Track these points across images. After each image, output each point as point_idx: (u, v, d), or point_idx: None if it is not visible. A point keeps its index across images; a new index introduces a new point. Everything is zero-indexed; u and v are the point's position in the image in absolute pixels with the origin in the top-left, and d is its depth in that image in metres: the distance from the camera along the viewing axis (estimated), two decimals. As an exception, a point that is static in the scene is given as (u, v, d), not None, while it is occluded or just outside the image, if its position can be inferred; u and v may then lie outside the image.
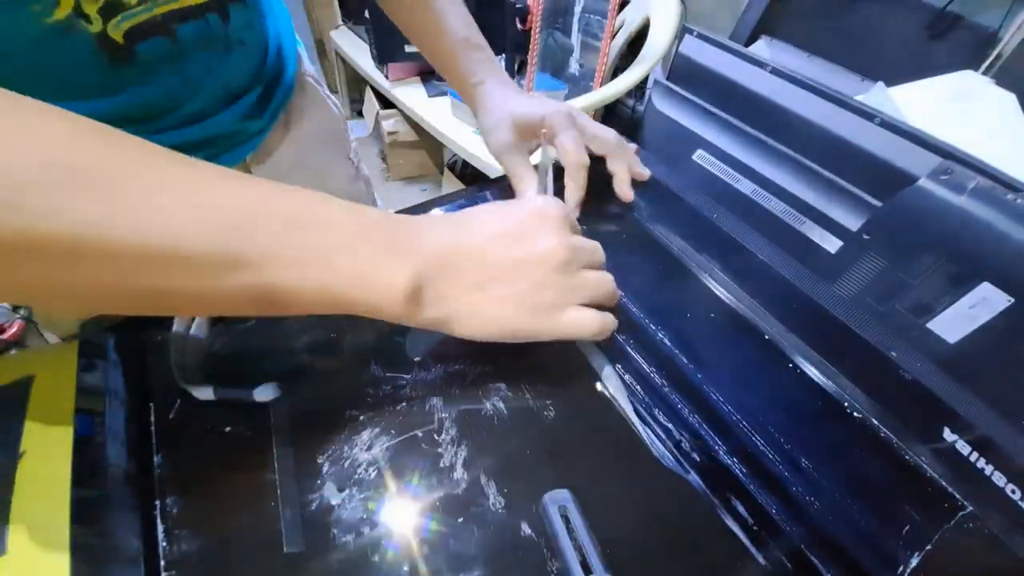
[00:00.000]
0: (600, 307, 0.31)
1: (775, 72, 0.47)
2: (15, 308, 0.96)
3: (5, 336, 0.91)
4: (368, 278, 0.24)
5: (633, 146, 0.50)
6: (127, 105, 0.34)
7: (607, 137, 0.43)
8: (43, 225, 0.16)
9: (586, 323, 0.29)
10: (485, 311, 0.27)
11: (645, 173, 0.46)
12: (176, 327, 0.32)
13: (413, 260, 0.25)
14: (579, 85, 1.46)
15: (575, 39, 1.44)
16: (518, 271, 0.27)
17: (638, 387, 0.33)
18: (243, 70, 0.41)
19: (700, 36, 0.52)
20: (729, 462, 0.30)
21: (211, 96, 0.39)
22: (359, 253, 0.24)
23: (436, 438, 0.30)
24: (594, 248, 0.32)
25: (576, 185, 0.41)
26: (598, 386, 0.33)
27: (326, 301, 0.24)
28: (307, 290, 0.23)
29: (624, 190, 0.44)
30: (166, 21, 0.33)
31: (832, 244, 0.44)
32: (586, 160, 0.41)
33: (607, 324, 0.30)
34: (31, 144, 0.17)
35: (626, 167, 0.44)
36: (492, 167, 1.31)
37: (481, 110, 0.46)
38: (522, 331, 0.28)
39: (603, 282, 0.31)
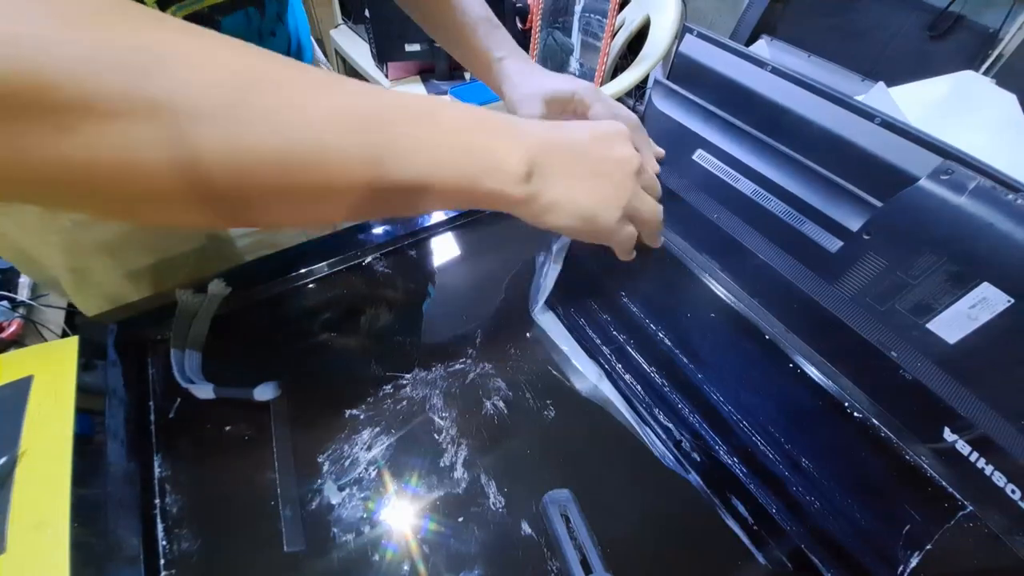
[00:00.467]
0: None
1: (775, 72, 0.47)
2: (14, 307, 0.96)
3: (4, 335, 0.91)
4: (489, 157, 0.27)
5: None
6: None
7: (629, 116, 0.45)
8: (246, 136, 0.19)
9: (628, 242, 0.33)
10: (577, 199, 0.30)
11: (660, 151, 0.47)
12: (176, 325, 0.32)
13: (527, 143, 0.28)
14: (579, 84, 1.45)
15: (575, 38, 1.44)
16: (610, 169, 0.31)
17: (638, 387, 0.33)
18: None
19: (700, 35, 0.52)
20: (729, 462, 0.30)
21: None
22: (483, 132, 0.27)
23: (436, 437, 0.30)
24: (651, 170, 0.34)
25: None
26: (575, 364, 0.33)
27: (455, 184, 0.26)
28: (437, 166, 0.25)
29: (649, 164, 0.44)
30: (212, 13, 0.38)
31: (832, 244, 0.44)
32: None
33: (631, 250, 0.34)
34: (226, 61, 0.19)
35: (646, 145, 0.45)
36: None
37: (507, 84, 0.47)
38: (599, 229, 0.32)
39: (654, 207, 0.34)
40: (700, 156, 0.52)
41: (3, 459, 0.30)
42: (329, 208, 0.24)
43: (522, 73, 0.46)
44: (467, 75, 1.67)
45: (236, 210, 0.21)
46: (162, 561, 0.25)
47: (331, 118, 0.22)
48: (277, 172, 0.20)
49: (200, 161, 0.18)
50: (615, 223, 0.32)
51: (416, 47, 1.56)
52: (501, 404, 0.31)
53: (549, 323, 0.37)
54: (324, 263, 0.38)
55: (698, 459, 0.30)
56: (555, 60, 1.48)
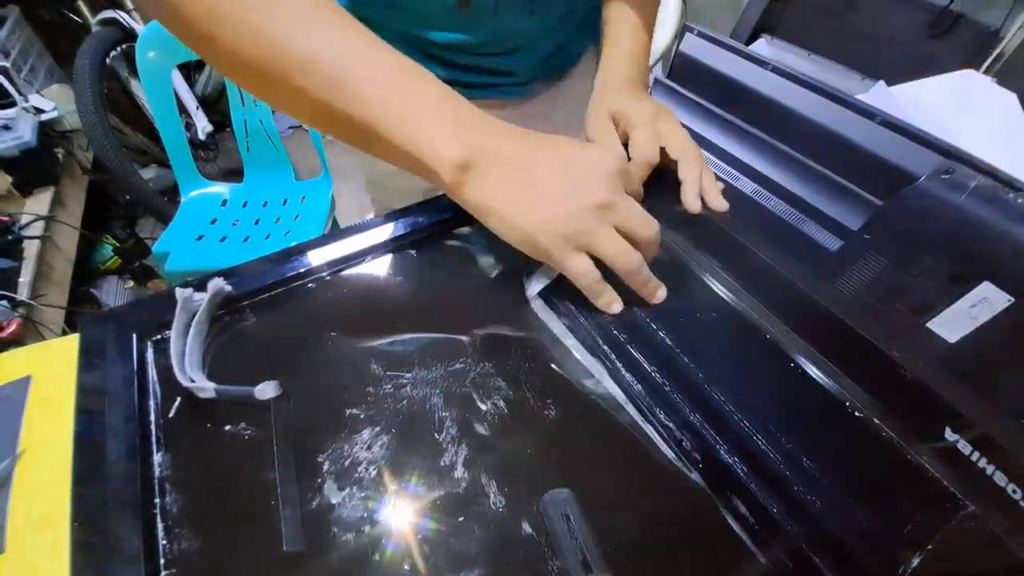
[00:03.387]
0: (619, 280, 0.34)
1: (776, 71, 0.47)
2: (14, 306, 0.96)
3: (4, 334, 0.91)
4: (432, 139, 0.29)
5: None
6: (461, 39, 0.46)
7: (684, 143, 0.42)
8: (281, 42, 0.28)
9: (582, 274, 0.33)
10: (514, 216, 0.31)
11: (716, 188, 0.43)
12: (176, 324, 0.32)
13: (471, 143, 0.30)
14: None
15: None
16: (557, 196, 0.31)
17: (639, 386, 0.33)
18: (539, 29, 0.50)
19: (701, 34, 0.52)
20: (730, 461, 0.30)
21: (513, 44, 0.49)
22: (435, 114, 0.30)
23: (436, 437, 0.30)
24: (636, 215, 0.32)
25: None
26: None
27: (399, 149, 0.30)
28: (386, 132, 0.29)
29: (690, 198, 0.41)
30: None
31: (833, 243, 0.44)
32: (653, 159, 0.41)
33: (599, 292, 0.34)
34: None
35: (697, 175, 0.42)
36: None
37: (593, 92, 0.48)
38: (537, 249, 0.32)
39: (622, 249, 0.33)
40: (700, 155, 0.51)
41: (3, 459, 0.30)
42: (295, 110, 0.31)
43: (605, 89, 0.47)
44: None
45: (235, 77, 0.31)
46: (162, 560, 0.25)
47: (306, 57, 0.28)
48: (257, 73, 0.29)
49: (215, 33, 0.28)
50: (557, 251, 0.31)
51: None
52: (501, 404, 0.31)
53: (550, 322, 0.37)
54: (324, 262, 0.38)
55: (699, 458, 0.30)
56: (555, 59, 1.48)
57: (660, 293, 0.36)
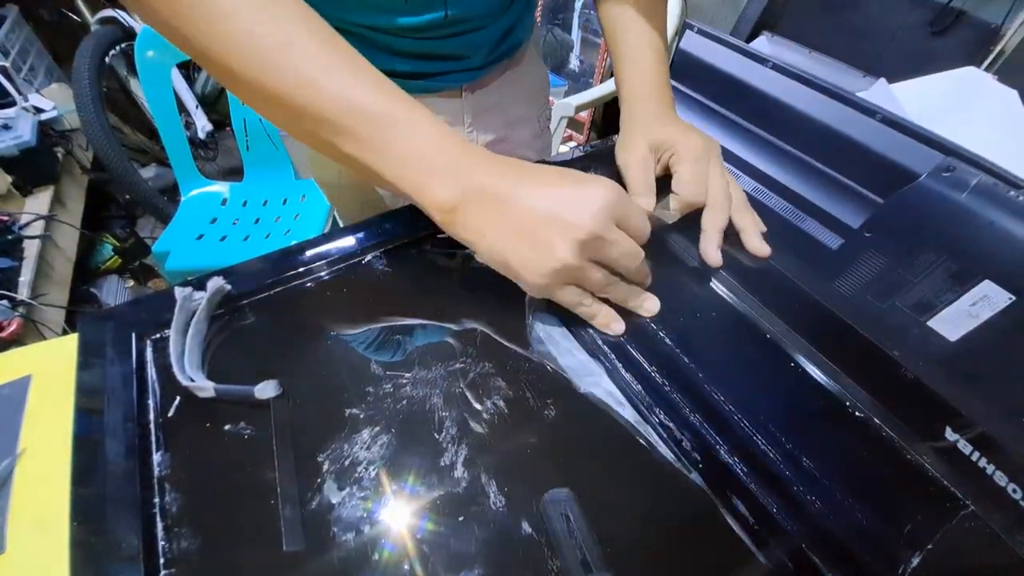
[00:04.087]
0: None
1: (776, 68, 0.46)
2: (14, 306, 0.96)
3: (4, 334, 0.91)
4: (422, 184, 0.31)
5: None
6: (413, 22, 0.43)
7: (717, 189, 0.40)
8: (270, 71, 0.28)
9: (574, 304, 0.33)
10: (500, 253, 0.31)
11: (756, 231, 0.41)
12: (175, 323, 0.32)
13: (460, 184, 0.31)
14: (579, 81, 1.46)
15: (575, 35, 1.43)
16: (539, 233, 0.30)
17: (639, 386, 0.33)
18: (488, 15, 0.48)
19: (701, 32, 0.52)
20: (730, 461, 0.30)
21: (460, 28, 0.46)
22: (422, 161, 0.31)
23: (436, 437, 0.30)
24: (622, 249, 0.32)
25: (668, 212, 0.41)
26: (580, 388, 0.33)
27: (393, 186, 0.31)
28: (383, 172, 0.31)
29: (756, 243, 0.40)
30: None
31: (833, 241, 0.44)
32: (699, 200, 0.40)
33: (593, 315, 0.34)
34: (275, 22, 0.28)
35: (753, 222, 0.41)
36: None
37: (623, 120, 0.47)
38: (526, 284, 0.32)
39: (611, 281, 0.33)
40: (700, 153, 0.51)
41: (3, 459, 0.30)
42: (279, 122, 0.32)
43: (639, 113, 0.45)
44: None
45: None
46: (162, 560, 0.25)
47: (297, 92, 0.29)
48: (255, 94, 0.30)
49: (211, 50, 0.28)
50: (542, 284, 0.32)
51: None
52: (501, 404, 0.31)
53: (550, 321, 0.36)
54: (324, 262, 0.38)
55: (698, 458, 0.30)
56: (555, 57, 1.47)
57: (650, 306, 0.36)
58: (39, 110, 1.19)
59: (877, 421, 0.30)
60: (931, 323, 0.34)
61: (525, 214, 0.30)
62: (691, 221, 0.41)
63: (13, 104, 1.15)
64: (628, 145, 0.44)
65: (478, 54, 0.50)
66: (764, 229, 0.41)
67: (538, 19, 1.29)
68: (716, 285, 0.39)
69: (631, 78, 0.47)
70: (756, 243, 0.40)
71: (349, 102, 0.29)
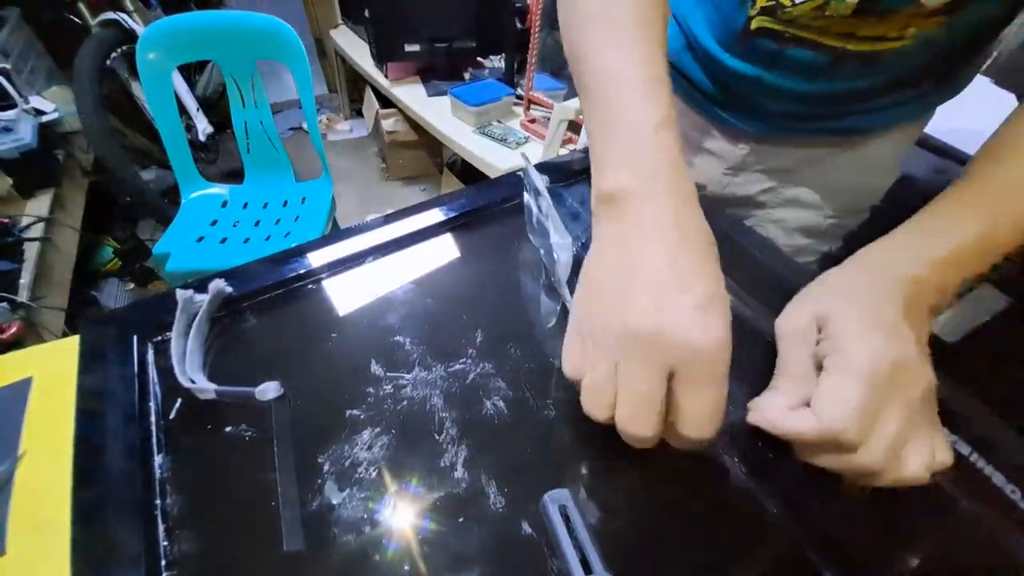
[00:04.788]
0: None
1: (775, 72, 0.46)
2: (14, 309, 0.96)
3: (4, 336, 0.91)
4: (603, 164, 0.30)
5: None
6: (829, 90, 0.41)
7: (910, 377, 0.26)
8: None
9: (585, 388, 0.27)
10: (584, 283, 0.29)
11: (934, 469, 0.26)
12: (177, 325, 0.32)
13: (621, 184, 0.28)
14: (579, 85, 1.45)
15: (575, 39, 1.43)
16: (609, 289, 0.26)
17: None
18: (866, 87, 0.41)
19: (700, 36, 0.52)
20: (729, 461, 0.30)
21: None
22: (612, 151, 0.29)
23: (436, 437, 0.30)
24: (630, 415, 0.24)
25: (783, 424, 0.27)
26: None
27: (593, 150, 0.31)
28: (592, 132, 0.31)
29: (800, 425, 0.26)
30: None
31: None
32: (836, 430, 0.25)
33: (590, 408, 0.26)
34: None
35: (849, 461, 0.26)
36: (492, 167, 1.31)
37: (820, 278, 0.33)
38: (582, 328, 0.28)
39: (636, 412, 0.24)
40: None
41: (4, 461, 0.30)
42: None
43: (859, 268, 0.32)
44: (466, 75, 1.67)
45: None
46: (163, 562, 0.25)
47: (589, 65, 0.31)
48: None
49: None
50: (565, 360, 0.28)
51: (416, 47, 1.56)
52: (501, 404, 0.31)
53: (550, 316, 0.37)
54: (325, 264, 0.39)
55: (698, 459, 0.30)
56: (554, 60, 1.48)
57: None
58: (40, 112, 1.19)
59: (876, 422, 0.30)
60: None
61: (616, 265, 0.26)
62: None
63: (14, 106, 1.15)
64: (797, 304, 0.32)
65: (805, 116, 0.44)
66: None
67: (537, 22, 1.29)
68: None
69: (925, 222, 0.31)
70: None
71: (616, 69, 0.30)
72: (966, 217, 0.29)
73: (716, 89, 0.47)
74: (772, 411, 0.28)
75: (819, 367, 0.27)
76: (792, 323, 0.30)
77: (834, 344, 0.27)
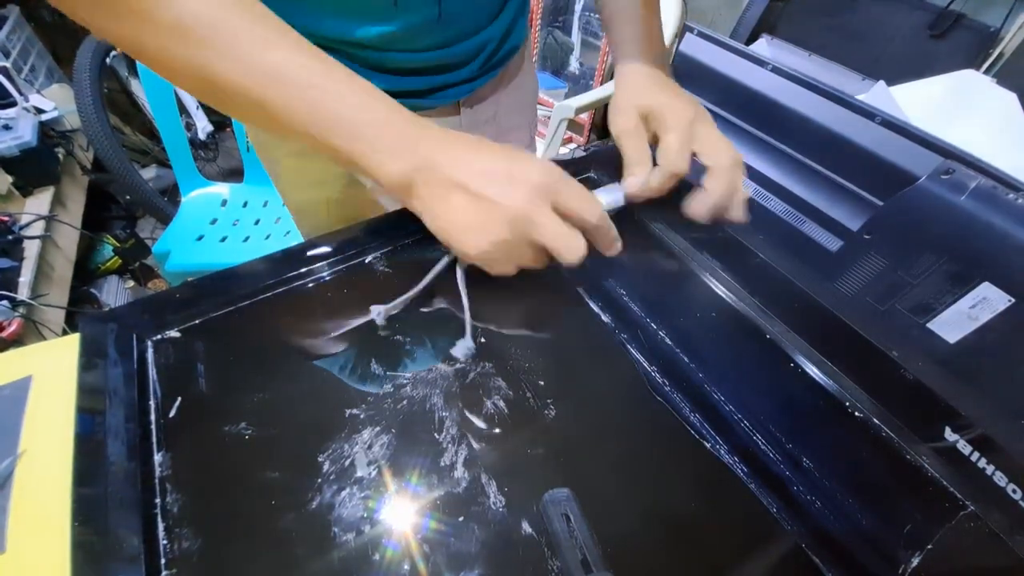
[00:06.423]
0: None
1: (776, 71, 0.47)
2: (14, 306, 0.96)
3: (4, 334, 0.91)
4: (375, 160, 0.32)
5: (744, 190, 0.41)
6: (397, 30, 0.42)
7: (719, 153, 0.38)
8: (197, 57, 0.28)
9: (527, 265, 0.34)
10: (441, 222, 0.33)
11: (742, 202, 0.40)
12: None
13: (411, 159, 0.32)
14: (579, 84, 1.46)
15: (575, 38, 1.44)
16: (473, 210, 0.32)
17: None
18: (484, 16, 0.48)
19: (701, 34, 0.52)
20: (730, 461, 0.30)
21: (455, 32, 0.46)
22: (377, 141, 0.31)
23: (436, 437, 0.30)
24: (552, 231, 0.31)
25: (648, 184, 0.38)
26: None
27: (352, 163, 0.32)
28: (339, 151, 0.31)
29: (697, 206, 0.38)
30: None
31: (833, 243, 0.44)
32: (681, 170, 0.38)
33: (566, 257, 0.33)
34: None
35: (721, 191, 0.38)
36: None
37: (616, 86, 0.45)
38: (459, 252, 0.34)
39: (541, 262, 0.33)
40: (700, 155, 0.51)
41: (4, 459, 0.30)
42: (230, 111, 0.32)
43: (626, 83, 0.44)
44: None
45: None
46: (163, 560, 0.25)
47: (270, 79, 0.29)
48: (197, 85, 0.30)
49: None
50: (477, 256, 0.33)
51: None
52: (501, 404, 0.31)
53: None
54: (325, 263, 0.38)
55: (698, 459, 0.30)
56: (555, 59, 1.48)
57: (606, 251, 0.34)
58: (40, 110, 1.19)
59: (877, 422, 0.30)
60: (930, 325, 0.34)
61: (459, 192, 0.31)
62: (674, 203, 0.39)
63: (14, 104, 1.15)
64: (619, 113, 0.42)
65: (473, 63, 0.49)
66: (747, 195, 0.40)
67: (538, 21, 1.29)
68: (715, 285, 0.39)
69: (623, 43, 0.45)
70: (697, 206, 0.38)
71: (321, 82, 0.30)
72: (636, 23, 0.45)
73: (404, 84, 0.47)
74: (637, 184, 0.38)
75: (653, 144, 0.39)
76: (628, 125, 0.40)
77: (663, 122, 0.39)
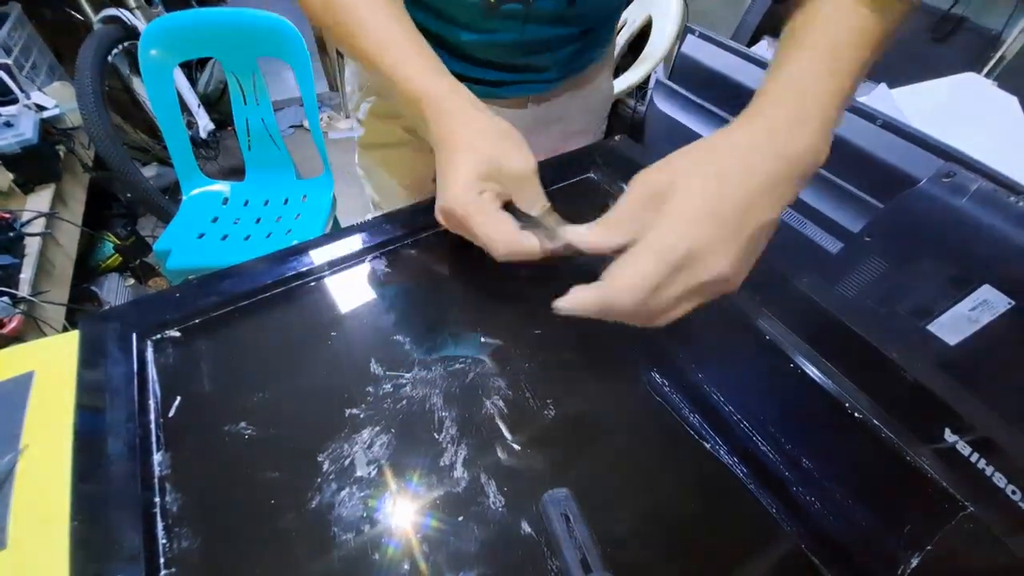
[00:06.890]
0: None
1: (778, 72, 0.46)
2: (15, 303, 0.96)
3: (5, 331, 0.91)
4: (401, 73, 0.35)
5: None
6: (491, 39, 0.46)
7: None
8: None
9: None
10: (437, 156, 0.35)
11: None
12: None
13: (440, 86, 0.35)
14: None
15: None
16: (439, 173, 0.34)
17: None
18: (566, 37, 0.49)
19: (702, 36, 0.52)
20: (730, 462, 0.30)
21: (534, 48, 0.48)
22: (420, 62, 0.36)
23: (436, 437, 0.30)
24: (482, 235, 0.32)
25: (586, 242, 0.30)
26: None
27: (395, 83, 0.36)
28: (387, 69, 0.36)
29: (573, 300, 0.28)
30: None
31: (833, 245, 0.44)
32: (606, 252, 0.29)
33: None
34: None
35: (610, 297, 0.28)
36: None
37: (683, 149, 0.31)
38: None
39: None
40: (702, 156, 0.52)
41: (5, 455, 0.30)
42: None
43: (710, 151, 0.28)
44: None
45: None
46: (162, 559, 0.25)
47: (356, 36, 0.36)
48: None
49: None
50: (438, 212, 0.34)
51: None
52: (501, 404, 0.31)
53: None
54: (326, 261, 0.38)
55: (698, 459, 0.30)
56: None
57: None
58: (41, 108, 1.19)
59: (877, 423, 0.30)
60: (930, 327, 0.34)
61: (439, 152, 0.34)
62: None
63: (15, 102, 1.15)
64: (647, 170, 0.29)
65: (554, 68, 0.50)
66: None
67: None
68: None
69: (775, 71, 0.30)
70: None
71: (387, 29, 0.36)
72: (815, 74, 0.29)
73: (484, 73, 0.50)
74: (578, 236, 0.30)
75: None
76: (647, 181, 0.28)
77: (656, 219, 0.27)
